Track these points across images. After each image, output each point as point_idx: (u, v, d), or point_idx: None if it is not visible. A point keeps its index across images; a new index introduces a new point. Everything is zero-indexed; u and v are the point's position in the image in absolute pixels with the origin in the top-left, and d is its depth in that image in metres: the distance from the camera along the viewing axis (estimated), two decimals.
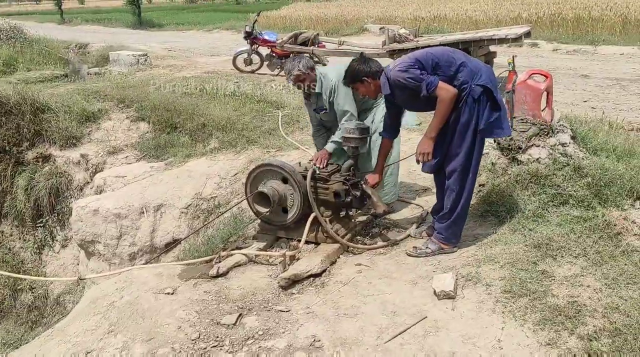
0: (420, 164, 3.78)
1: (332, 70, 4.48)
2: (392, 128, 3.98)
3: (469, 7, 20.96)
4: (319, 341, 3.05)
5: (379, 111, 4.44)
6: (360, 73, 3.77)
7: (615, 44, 13.08)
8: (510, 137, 4.28)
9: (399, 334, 3.02)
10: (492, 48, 8.99)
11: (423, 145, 3.62)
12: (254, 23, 11.50)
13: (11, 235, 7.99)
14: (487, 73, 3.51)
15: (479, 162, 3.66)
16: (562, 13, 16.65)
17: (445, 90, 3.44)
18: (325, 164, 4.24)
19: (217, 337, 3.20)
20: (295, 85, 4.49)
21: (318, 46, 10.45)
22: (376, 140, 4.32)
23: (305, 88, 4.45)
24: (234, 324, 3.29)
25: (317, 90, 4.43)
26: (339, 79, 4.24)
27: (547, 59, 12.16)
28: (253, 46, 11.32)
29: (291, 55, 10.72)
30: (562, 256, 3.45)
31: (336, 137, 4.32)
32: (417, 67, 3.48)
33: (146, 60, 12.40)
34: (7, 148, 7.97)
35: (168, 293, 3.74)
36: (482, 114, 3.48)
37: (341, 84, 4.19)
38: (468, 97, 3.46)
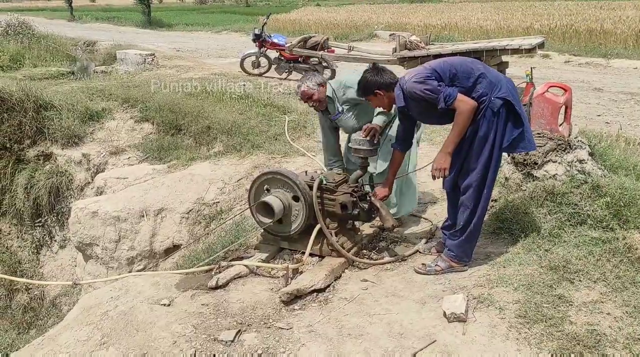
0: (437, 179, 3.60)
1: (345, 74, 4.40)
2: (404, 140, 3.81)
3: (480, 17, 20.81)
4: None
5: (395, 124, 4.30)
6: (374, 85, 3.60)
7: (628, 57, 12.89)
8: (525, 152, 4.11)
9: None
10: (504, 58, 8.82)
11: (440, 161, 3.43)
12: (263, 25, 11.37)
13: (9, 233, 7.85)
14: (508, 85, 3.34)
15: (495, 178, 3.49)
16: (574, 25, 16.46)
17: (464, 103, 3.26)
18: (376, 137, 3.96)
19: (214, 354, 3.03)
20: (305, 102, 4.44)
21: (327, 51, 10.30)
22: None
23: (314, 104, 4.36)
24: (232, 341, 3.13)
25: (329, 94, 4.33)
26: (354, 77, 4.14)
27: (559, 70, 11.99)
28: (261, 49, 11.18)
29: (300, 59, 10.60)
30: (580, 280, 3.27)
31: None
32: (434, 78, 3.31)
33: (153, 60, 12.27)
34: (8, 145, 7.84)
35: (164, 304, 3.58)
36: (504, 130, 3.31)
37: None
38: (487, 110, 3.28)
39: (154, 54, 12.52)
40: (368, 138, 3.92)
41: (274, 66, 11.09)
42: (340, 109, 4.37)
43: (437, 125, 3.93)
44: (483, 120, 3.30)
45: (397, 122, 4.15)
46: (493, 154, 3.36)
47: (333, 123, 4.55)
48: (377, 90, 3.60)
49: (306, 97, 4.33)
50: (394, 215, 4.37)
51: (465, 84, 3.31)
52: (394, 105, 4.10)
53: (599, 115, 7.84)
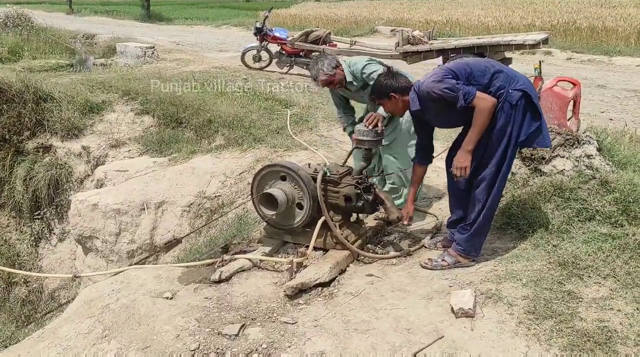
0: (457, 180, 3.54)
1: (357, 60, 4.39)
2: (425, 151, 3.73)
3: (481, 13, 20.73)
4: None
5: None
6: (389, 88, 3.53)
7: (631, 55, 12.84)
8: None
9: (415, 354, 2.81)
10: (507, 54, 8.75)
11: (460, 159, 3.37)
12: (265, 19, 11.28)
13: (7, 226, 7.78)
14: (525, 79, 3.31)
15: (508, 172, 3.46)
16: (576, 22, 16.41)
17: (484, 100, 3.21)
18: (378, 126, 3.85)
19: (218, 348, 2.98)
20: (324, 86, 4.43)
21: (329, 45, 10.22)
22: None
23: (336, 87, 4.35)
24: (236, 335, 3.08)
25: (348, 79, 4.31)
26: (367, 61, 4.24)
27: (561, 67, 11.93)
28: (263, 43, 11.10)
29: (301, 53, 10.52)
30: (589, 276, 3.22)
31: None
32: (451, 76, 3.27)
33: (153, 53, 12.19)
34: (7, 137, 7.75)
35: (167, 298, 3.54)
36: (522, 124, 3.28)
37: (371, 64, 4.21)
38: (505, 102, 3.25)
39: (154, 47, 12.43)
40: (371, 128, 3.86)
41: (275, 60, 11.00)
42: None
43: (453, 127, 3.82)
44: (501, 113, 3.26)
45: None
46: (509, 148, 3.32)
47: (343, 94, 4.57)
48: (392, 94, 3.53)
49: (327, 83, 4.30)
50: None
51: (481, 81, 3.27)
52: None
53: (602, 112, 7.80)
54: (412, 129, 4.33)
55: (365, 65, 4.26)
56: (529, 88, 3.26)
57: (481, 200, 3.44)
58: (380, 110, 3.99)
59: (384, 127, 3.97)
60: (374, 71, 4.19)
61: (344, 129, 4.76)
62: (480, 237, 3.56)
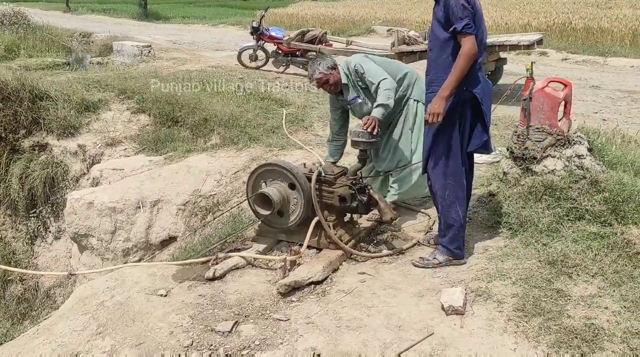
0: (428, 126, 3.52)
1: (352, 57, 4.44)
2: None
3: None
4: (319, 354, 2.88)
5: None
6: None
7: (625, 55, 12.89)
8: (525, 146, 4.11)
9: (405, 350, 2.85)
10: (502, 54, 8.83)
11: (434, 105, 3.33)
12: (261, 18, 11.30)
13: (3, 224, 7.79)
14: (484, 85, 3.40)
15: (458, 172, 3.53)
16: (572, 23, 16.47)
17: (472, 44, 3.20)
18: (376, 129, 3.94)
19: (211, 345, 3.03)
20: (320, 88, 4.41)
21: (325, 45, 10.26)
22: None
23: (330, 88, 4.34)
24: (229, 332, 3.12)
25: (344, 81, 4.31)
26: (360, 58, 4.26)
27: (556, 68, 11.98)
28: (259, 42, 11.11)
29: (297, 52, 10.56)
30: (578, 275, 3.28)
31: (380, 100, 4.08)
32: (471, 7, 3.23)
33: (150, 51, 12.17)
34: (3, 135, 7.74)
35: (161, 295, 3.58)
36: (472, 132, 3.41)
37: (364, 60, 4.23)
38: (460, 99, 3.35)
39: (150, 46, 12.43)
40: (368, 130, 3.90)
41: (271, 59, 11.02)
42: (356, 94, 4.34)
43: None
44: (456, 107, 3.36)
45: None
46: (452, 145, 3.43)
47: (343, 104, 4.51)
48: None
49: (322, 83, 4.28)
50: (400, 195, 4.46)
51: None
52: (390, 96, 4.11)
53: (595, 113, 7.85)
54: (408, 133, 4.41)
55: (359, 62, 4.27)
56: (482, 93, 3.34)
57: (436, 192, 3.59)
58: (374, 112, 4.03)
59: (379, 130, 4.01)
60: (368, 69, 4.21)
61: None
62: (459, 237, 3.63)
